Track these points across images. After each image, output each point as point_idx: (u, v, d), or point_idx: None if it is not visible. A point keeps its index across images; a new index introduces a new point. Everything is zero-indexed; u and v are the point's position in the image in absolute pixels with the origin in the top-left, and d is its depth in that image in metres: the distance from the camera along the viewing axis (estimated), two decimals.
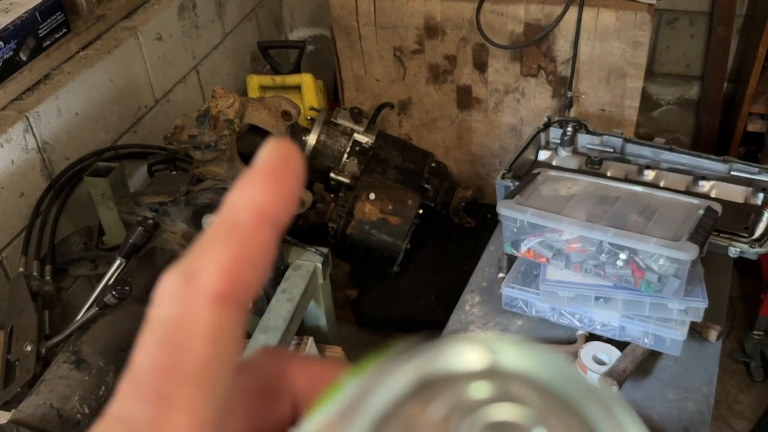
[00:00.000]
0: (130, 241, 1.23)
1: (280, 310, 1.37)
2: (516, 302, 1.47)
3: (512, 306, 1.48)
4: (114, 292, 1.09)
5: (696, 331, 1.39)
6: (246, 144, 1.59)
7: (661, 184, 1.61)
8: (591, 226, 1.30)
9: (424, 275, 1.91)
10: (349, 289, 1.95)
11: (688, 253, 1.22)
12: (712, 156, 1.59)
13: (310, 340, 1.46)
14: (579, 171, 1.67)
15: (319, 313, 1.56)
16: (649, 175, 1.64)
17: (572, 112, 2.03)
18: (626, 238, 1.27)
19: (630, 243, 1.27)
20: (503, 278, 1.50)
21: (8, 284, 1.43)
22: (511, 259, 1.54)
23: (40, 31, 1.60)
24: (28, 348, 1.23)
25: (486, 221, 2.01)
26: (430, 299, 1.86)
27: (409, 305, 1.87)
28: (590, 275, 1.37)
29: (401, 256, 1.82)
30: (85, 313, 1.17)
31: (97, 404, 1.13)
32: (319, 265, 1.47)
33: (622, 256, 1.30)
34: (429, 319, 1.80)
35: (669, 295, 1.29)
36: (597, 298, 1.37)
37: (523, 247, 1.42)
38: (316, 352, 1.47)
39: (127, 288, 1.12)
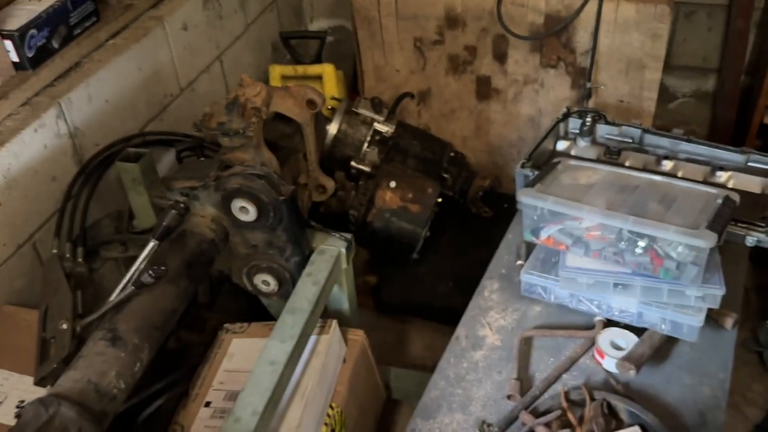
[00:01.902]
0: (164, 223, 1.26)
1: (305, 292, 1.41)
2: (535, 288, 1.50)
3: (531, 292, 1.51)
4: (151, 272, 1.13)
5: (712, 319, 1.41)
6: (271, 131, 1.63)
7: (679, 174, 1.64)
8: (611, 214, 1.33)
9: (443, 263, 1.94)
10: (368, 275, 1.98)
11: (707, 240, 1.24)
12: (729, 147, 1.61)
13: (334, 322, 1.50)
14: (598, 161, 1.69)
15: (342, 298, 1.59)
16: (667, 165, 1.66)
17: (591, 103, 2.06)
18: (646, 225, 1.30)
19: (649, 231, 1.30)
20: (522, 265, 1.53)
21: (42, 265, 1.48)
22: (530, 247, 1.57)
23: (71, 20, 1.65)
24: (64, 326, 1.27)
25: (503, 211, 2.04)
26: (448, 286, 1.90)
27: (427, 292, 1.90)
28: (609, 262, 1.39)
29: (420, 244, 1.86)
30: (120, 292, 1.21)
31: (133, 380, 1.17)
32: (343, 250, 1.50)
33: (641, 243, 1.33)
34: (447, 306, 1.83)
35: (687, 282, 1.32)
36: (616, 285, 1.40)
37: (543, 235, 1.45)
38: (339, 335, 1.51)
39: (163, 268, 1.15)
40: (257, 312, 1.64)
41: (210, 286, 1.76)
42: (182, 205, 1.31)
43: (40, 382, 1.27)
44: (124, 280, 1.22)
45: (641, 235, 1.32)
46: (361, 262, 1.99)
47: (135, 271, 1.22)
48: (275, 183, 1.39)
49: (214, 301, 1.75)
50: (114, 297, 1.21)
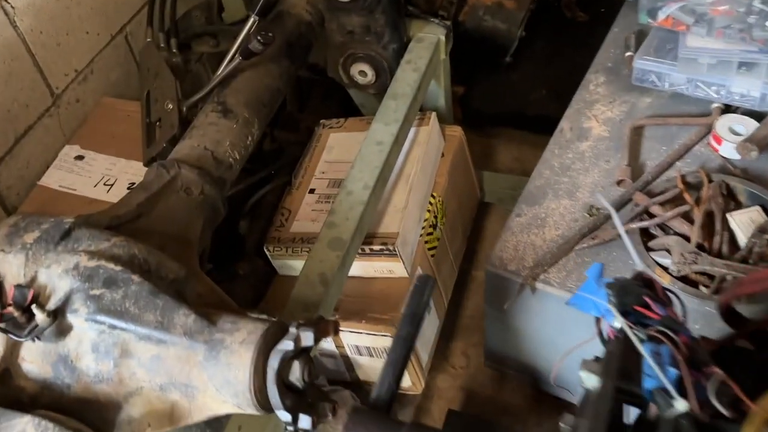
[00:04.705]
0: None
1: (406, 78, 1.36)
2: (648, 76, 1.42)
3: (643, 81, 1.43)
4: (259, 38, 1.09)
5: None
6: None
7: None
8: None
9: (536, 69, 1.84)
10: (455, 86, 1.91)
11: None
12: None
13: (433, 114, 1.46)
14: None
15: (438, 94, 1.54)
16: None
17: None
18: None
19: None
20: (632, 56, 1.44)
21: (138, 54, 1.46)
22: (641, 37, 1.47)
23: None
24: (170, 106, 1.26)
25: (599, 15, 1.90)
26: (542, 93, 1.81)
27: (519, 99, 1.82)
28: (734, 41, 1.30)
29: (515, 45, 1.76)
30: (226, 65, 1.17)
31: (245, 152, 1.16)
32: (442, 38, 1.43)
33: None
34: (540, 114, 1.76)
35: None
36: (740, 65, 1.31)
37: (662, 15, 1.35)
38: (438, 128, 1.48)
39: (270, 34, 1.11)
40: (347, 114, 1.61)
41: (299, 92, 1.72)
42: None
43: (149, 163, 1.28)
44: (231, 53, 1.18)
45: None
46: None
47: (240, 43, 1.18)
48: None
49: (304, 105, 1.73)
50: (221, 71, 1.18)
